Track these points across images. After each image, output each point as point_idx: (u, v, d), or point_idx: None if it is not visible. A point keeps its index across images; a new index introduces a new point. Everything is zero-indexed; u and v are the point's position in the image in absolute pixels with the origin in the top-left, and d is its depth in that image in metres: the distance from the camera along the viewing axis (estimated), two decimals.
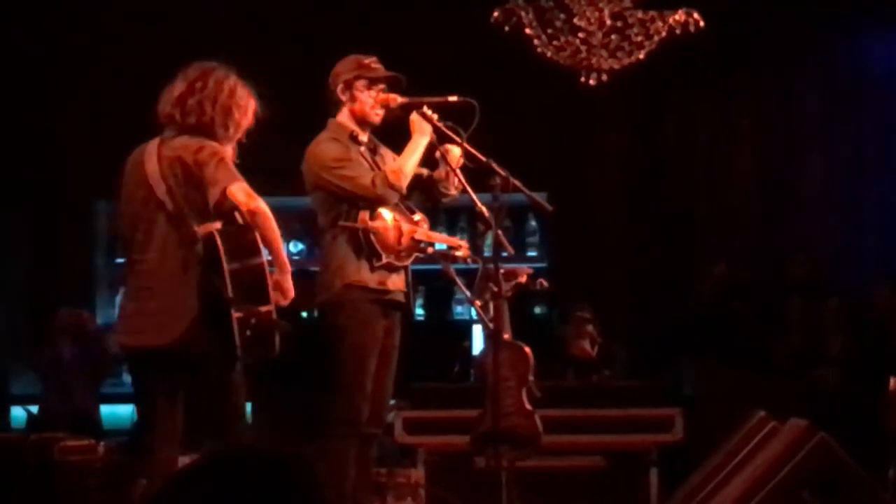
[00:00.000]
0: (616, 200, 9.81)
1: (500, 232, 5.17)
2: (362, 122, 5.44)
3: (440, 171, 5.52)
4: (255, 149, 4.89)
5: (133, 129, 4.83)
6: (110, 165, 4.97)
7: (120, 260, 7.90)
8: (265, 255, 4.72)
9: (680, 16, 7.59)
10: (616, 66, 7.66)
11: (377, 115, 5.42)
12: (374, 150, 5.50)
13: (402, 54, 5.48)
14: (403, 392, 6.61)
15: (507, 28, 7.63)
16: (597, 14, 7.57)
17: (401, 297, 5.44)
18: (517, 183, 5.17)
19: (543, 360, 6.19)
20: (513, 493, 5.24)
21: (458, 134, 5.32)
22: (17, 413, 8.85)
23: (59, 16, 9.51)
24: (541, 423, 5.68)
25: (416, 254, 5.45)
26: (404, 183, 5.33)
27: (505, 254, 5.26)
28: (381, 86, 5.42)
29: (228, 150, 4.76)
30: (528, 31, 7.63)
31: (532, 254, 9.72)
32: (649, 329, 9.14)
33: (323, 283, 5.40)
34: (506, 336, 5.34)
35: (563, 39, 7.63)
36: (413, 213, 5.49)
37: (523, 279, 5.58)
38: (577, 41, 7.61)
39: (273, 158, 5.11)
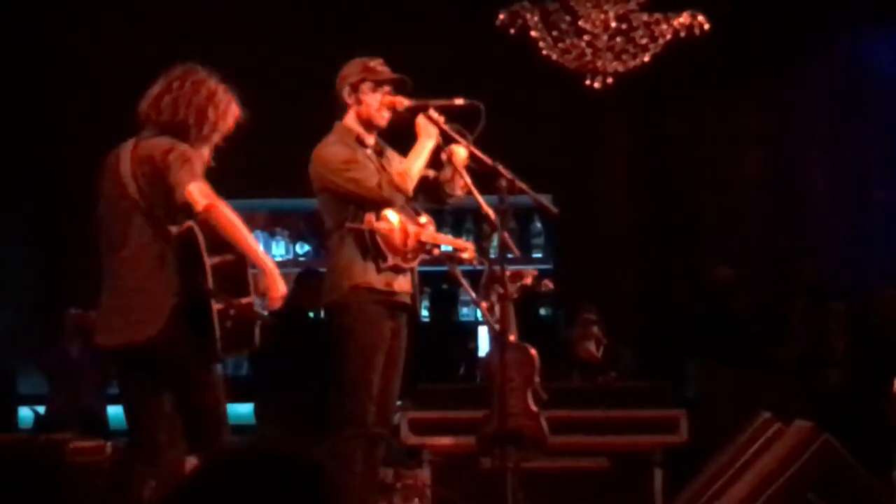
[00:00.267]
0: (621, 202, 9.83)
1: (505, 234, 5.18)
2: (368, 124, 5.45)
3: (446, 173, 5.53)
4: (261, 151, 4.91)
5: (133, 129, 4.86)
6: None
7: None
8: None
9: (685, 18, 7.61)
10: (621, 69, 7.68)
11: (383, 118, 5.44)
12: (380, 153, 5.52)
13: (409, 57, 5.49)
14: (409, 393, 6.63)
15: (512, 30, 7.66)
16: (602, 17, 7.59)
17: (407, 299, 5.46)
18: (522, 185, 5.18)
19: (549, 361, 6.20)
20: (518, 493, 5.26)
21: (464, 136, 5.33)
22: (25, 413, 8.87)
23: (59, 16, 9.53)
24: (546, 425, 5.70)
25: (423, 255, 5.46)
26: (410, 185, 5.36)
27: (510, 255, 5.28)
28: (387, 88, 5.44)
29: (204, 152, 4.78)
30: (533, 33, 7.66)
31: (537, 255, 9.73)
32: (654, 331, 9.15)
33: (330, 284, 5.43)
34: (511, 337, 5.35)
35: (568, 42, 7.65)
36: (419, 214, 5.51)
37: (529, 281, 5.59)
38: (583, 44, 7.63)
39: (280, 160, 5.14)
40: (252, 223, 9.94)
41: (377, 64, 5.46)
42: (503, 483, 5.11)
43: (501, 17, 7.62)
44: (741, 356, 8.21)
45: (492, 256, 5.40)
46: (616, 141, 9.85)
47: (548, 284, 5.81)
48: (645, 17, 7.66)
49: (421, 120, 5.38)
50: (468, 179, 5.39)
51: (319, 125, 5.55)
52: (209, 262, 4.62)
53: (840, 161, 9.83)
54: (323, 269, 5.65)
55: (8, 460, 6.19)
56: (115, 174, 4.72)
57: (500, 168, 5.20)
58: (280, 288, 4.72)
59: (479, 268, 5.55)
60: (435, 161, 5.49)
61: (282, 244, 9.95)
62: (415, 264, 5.46)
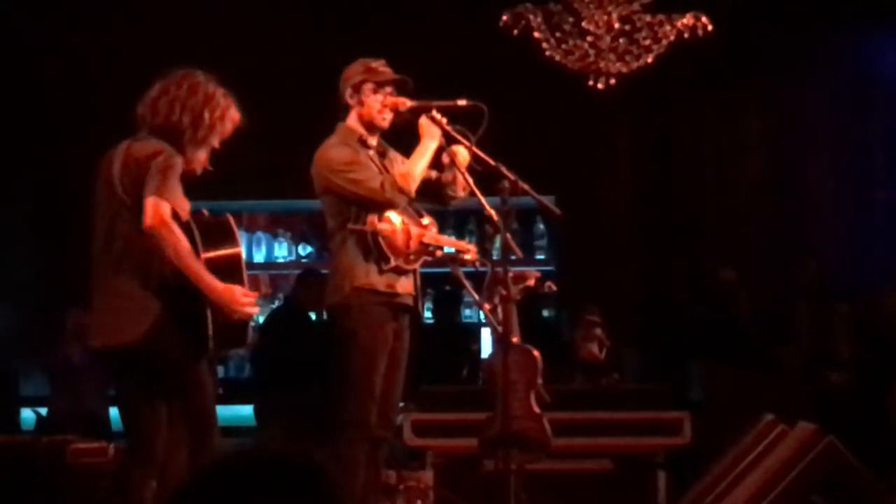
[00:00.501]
0: (624, 204, 9.82)
1: (508, 235, 5.17)
2: (371, 125, 5.45)
3: (448, 174, 5.53)
4: (263, 153, 4.90)
5: (133, 129, 4.85)
6: None
7: None
8: (243, 245, 4.71)
9: (688, 19, 7.59)
10: (624, 70, 7.67)
11: (385, 119, 5.43)
12: (383, 154, 5.51)
13: (411, 58, 5.49)
14: (412, 395, 6.62)
15: (515, 31, 7.64)
16: (605, 18, 7.58)
17: (410, 301, 5.46)
18: (525, 186, 5.17)
19: (552, 363, 6.19)
20: (521, 496, 5.24)
21: (466, 138, 5.33)
22: (27, 415, 8.86)
23: (58, 16, 9.52)
24: (549, 427, 5.69)
25: (425, 257, 5.46)
26: (413, 187, 5.35)
27: (513, 257, 5.27)
28: (389, 89, 5.43)
29: (199, 155, 4.78)
30: (536, 34, 7.64)
31: (540, 257, 9.72)
32: (657, 332, 9.14)
33: (332, 286, 5.42)
34: (514, 339, 5.34)
35: (571, 43, 7.64)
36: (421, 216, 5.51)
37: (532, 282, 5.58)
38: (586, 45, 7.62)
39: (282, 162, 5.13)
40: (254, 224, 10.02)
41: (379, 65, 5.46)
42: (506, 485, 5.10)
43: (504, 18, 7.61)
44: (744, 358, 8.20)
45: (494, 258, 5.40)
46: (619, 142, 9.84)
47: (550, 286, 5.80)
48: (648, 18, 7.64)
49: (423, 121, 5.37)
50: (471, 181, 5.38)
51: (321, 126, 5.54)
52: (203, 256, 4.62)
53: (842, 162, 9.82)
54: (324, 270, 5.64)
55: (10, 462, 6.19)
56: (107, 174, 4.74)
57: (503, 169, 5.19)
58: (237, 310, 4.62)
59: (481, 269, 5.54)
60: (437, 162, 5.48)
61: (284, 245, 9.94)
62: (417, 266, 5.45)
